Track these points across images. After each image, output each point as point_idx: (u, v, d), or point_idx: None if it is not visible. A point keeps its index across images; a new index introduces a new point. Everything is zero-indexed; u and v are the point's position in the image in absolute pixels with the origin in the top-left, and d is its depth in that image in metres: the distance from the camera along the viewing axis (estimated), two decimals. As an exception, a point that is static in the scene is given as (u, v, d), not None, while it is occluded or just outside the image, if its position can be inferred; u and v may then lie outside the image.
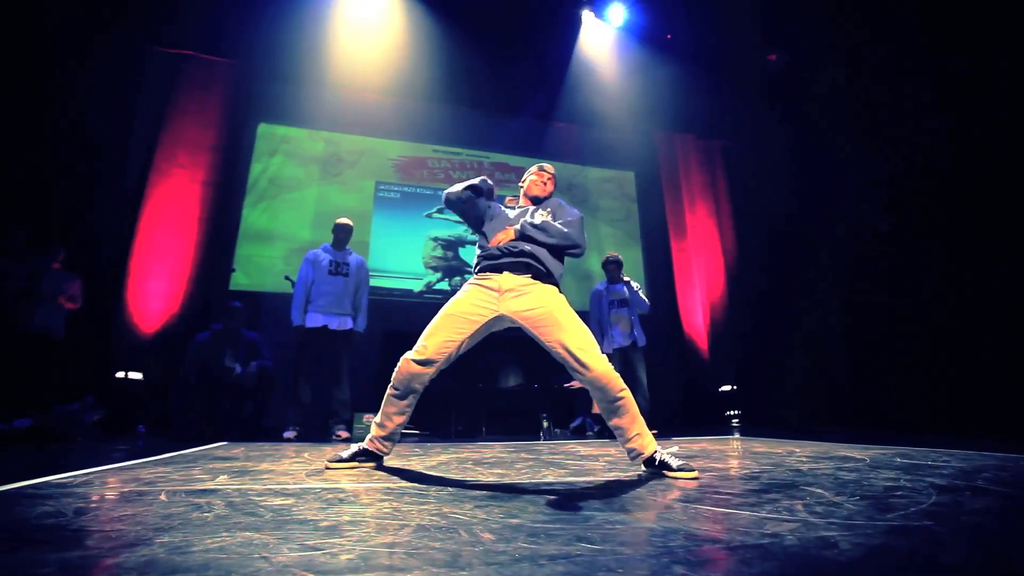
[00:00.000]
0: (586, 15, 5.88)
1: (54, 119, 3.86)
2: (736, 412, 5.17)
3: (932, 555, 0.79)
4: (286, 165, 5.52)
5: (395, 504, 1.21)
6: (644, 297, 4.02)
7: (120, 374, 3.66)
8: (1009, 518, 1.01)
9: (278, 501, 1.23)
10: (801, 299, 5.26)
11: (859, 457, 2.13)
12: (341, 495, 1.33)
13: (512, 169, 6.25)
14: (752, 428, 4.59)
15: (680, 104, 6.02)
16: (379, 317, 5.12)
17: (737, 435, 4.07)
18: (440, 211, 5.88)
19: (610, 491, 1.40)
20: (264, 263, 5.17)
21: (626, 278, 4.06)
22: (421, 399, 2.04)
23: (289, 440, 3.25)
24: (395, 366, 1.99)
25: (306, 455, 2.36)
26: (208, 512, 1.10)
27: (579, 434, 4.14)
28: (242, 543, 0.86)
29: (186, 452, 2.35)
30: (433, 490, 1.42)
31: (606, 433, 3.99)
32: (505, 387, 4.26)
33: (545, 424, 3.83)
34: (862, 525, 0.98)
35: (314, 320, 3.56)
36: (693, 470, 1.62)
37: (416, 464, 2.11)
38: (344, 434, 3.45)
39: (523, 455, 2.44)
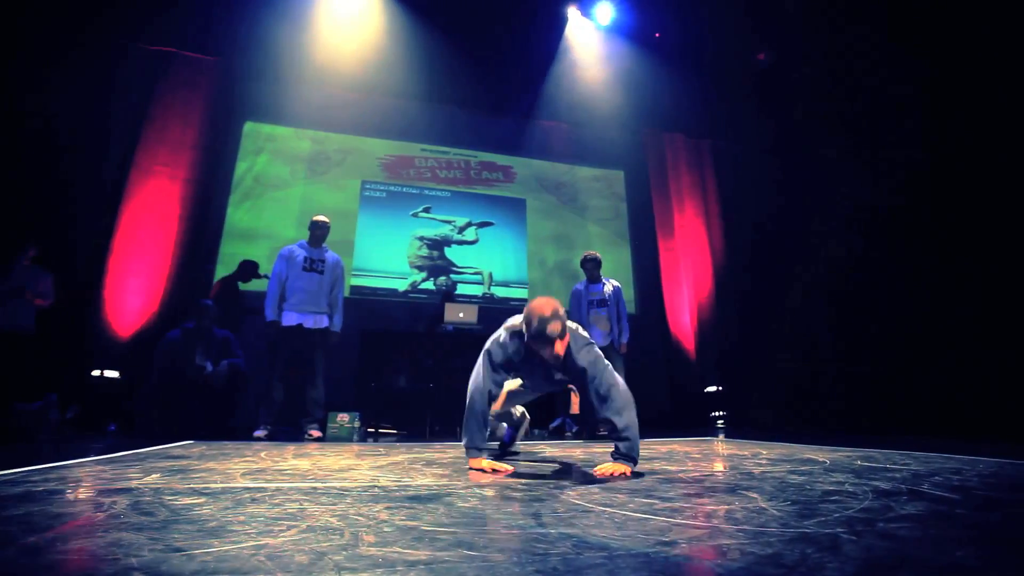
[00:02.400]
0: (573, 13, 5.84)
1: (32, 115, 3.87)
2: (721, 413, 5.12)
3: (819, 564, 0.74)
4: (272, 164, 5.51)
5: (306, 504, 1.18)
6: (625, 324, 4.06)
7: (96, 372, 3.65)
8: (926, 525, 0.96)
9: (187, 500, 1.20)
10: (789, 299, 5.18)
11: (821, 459, 2.08)
12: (258, 495, 1.29)
13: (499, 168, 6.21)
14: (738, 429, 4.52)
15: (669, 103, 5.97)
16: (363, 316, 5.10)
17: (722, 436, 4.01)
18: (426, 210, 5.85)
19: (537, 494, 1.36)
20: (249, 262, 5.15)
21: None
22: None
23: (259, 439, 3.22)
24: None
25: (263, 455, 2.33)
26: (104, 512, 1.07)
27: (558, 435, 4.09)
28: (108, 544, 0.83)
29: (142, 451, 2.33)
30: (358, 490, 1.38)
31: (585, 434, 3.95)
32: (482, 387, 4.22)
33: (522, 424, 3.78)
34: (771, 532, 0.93)
35: (289, 318, 3.53)
36: None
37: (368, 462, 2.07)
38: (316, 433, 3.42)
39: (483, 456, 2.39)
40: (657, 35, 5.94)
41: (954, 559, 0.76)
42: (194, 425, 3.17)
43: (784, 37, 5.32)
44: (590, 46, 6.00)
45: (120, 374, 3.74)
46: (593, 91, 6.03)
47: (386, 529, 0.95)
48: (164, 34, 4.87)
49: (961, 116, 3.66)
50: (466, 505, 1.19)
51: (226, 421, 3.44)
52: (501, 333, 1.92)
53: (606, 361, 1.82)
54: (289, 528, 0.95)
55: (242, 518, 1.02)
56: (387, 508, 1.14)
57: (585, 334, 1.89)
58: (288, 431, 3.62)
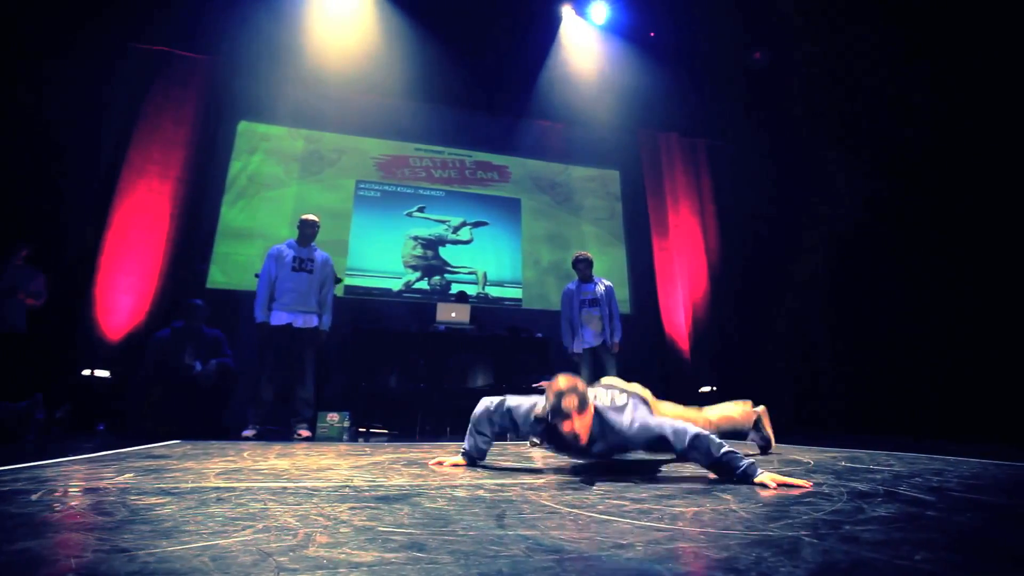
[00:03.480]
0: (567, 12, 5.83)
1: (23, 113, 3.87)
2: (715, 414, 5.08)
3: (772, 569, 0.72)
4: (266, 163, 5.51)
5: (270, 504, 1.16)
6: (618, 324, 4.01)
7: (86, 372, 3.65)
8: (892, 527, 0.94)
9: (151, 500, 1.19)
10: (784, 299, 5.16)
11: (805, 460, 2.06)
12: (225, 495, 1.28)
13: (494, 168, 6.20)
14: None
15: (664, 102, 5.95)
16: (355, 315, 5.09)
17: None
18: (421, 210, 5.84)
19: (507, 495, 1.34)
20: (242, 261, 5.15)
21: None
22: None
23: (247, 439, 3.21)
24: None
25: (246, 454, 2.32)
26: (61, 512, 1.06)
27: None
28: (53, 545, 0.82)
29: (124, 450, 2.32)
30: (328, 490, 1.37)
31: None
32: (473, 387, 4.20)
33: (512, 425, 3.77)
34: (733, 535, 0.92)
35: (278, 318, 3.53)
36: None
37: (349, 461, 2.06)
38: (305, 433, 3.41)
39: (468, 456, 2.38)
40: (652, 34, 5.93)
41: (911, 563, 0.74)
42: (183, 424, 3.16)
43: (779, 36, 5.30)
44: (585, 45, 5.99)
45: (111, 373, 3.74)
46: (588, 90, 6.02)
47: (342, 530, 0.94)
48: (158, 33, 4.87)
49: (958, 114, 3.63)
50: (432, 506, 1.18)
51: (216, 420, 3.44)
52: (525, 408, 1.85)
53: (659, 419, 1.67)
54: (244, 528, 0.93)
55: (200, 518, 1.01)
56: (351, 508, 1.13)
57: (619, 402, 1.76)
58: (278, 431, 3.62)
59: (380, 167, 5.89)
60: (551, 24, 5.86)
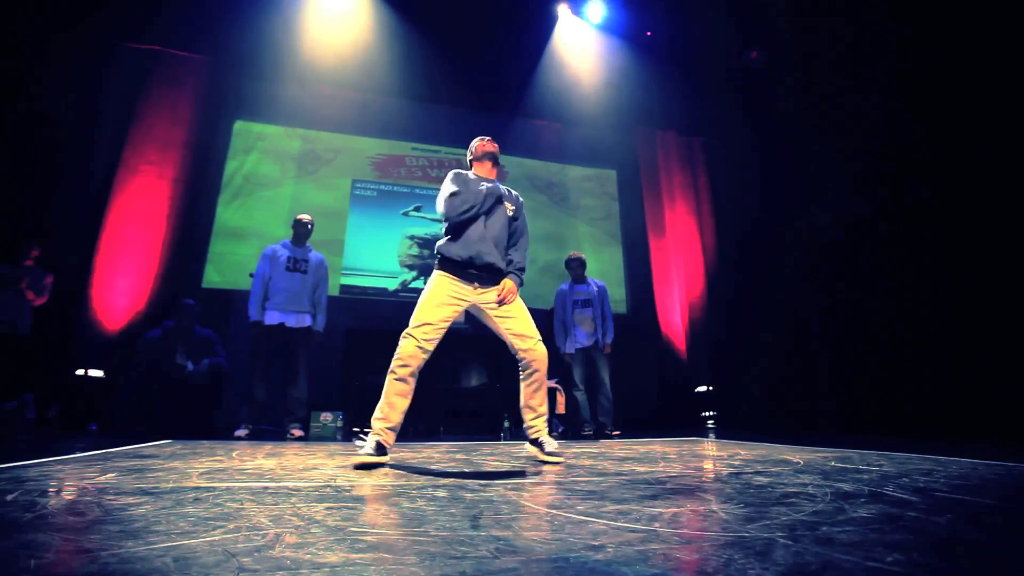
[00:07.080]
0: (563, 11, 5.81)
1: (18, 114, 3.87)
2: (711, 413, 5.08)
3: (741, 571, 0.71)
4: (262, 162, 5.51)
5: (247, 504, 1.16)
6: (611, 324, 4.00)
7: (80, 372, 3.65)
8: (869, 528, 0.93)
9: (128, 500, 1.18)
10: (780, 298, 5.14)
11: (796, 460, 2.05)
12: (204, 495, 1.27)
13: (491, 167, 6.18)
14: (729, 429, 4.49)
15: (661, 101, 5.94)
16: (353, 315, 5.09)
17: (712, 436, 3.97)
18: (417, 209, 5.84)
19: (488, 495, 1.33)
20: (238, 261, 5.15)
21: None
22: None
23: (240, 438, 3.21)
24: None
25: (235, 454, 2.31)
26: (33, 512, 1.05)
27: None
28: (16, 546, 0.81)
29: (112, 450, 2.32)
30: (308, 490, 1.36)
31: (570, 434, 3.92)
32: (467, 387, 4.19)
33: (506, 424, 3.77)
34: (707, 537, 0.91)
35: (271, 317, 3.52)
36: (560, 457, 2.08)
37: (336, 461, 2.06)
38: (298, 432, 3.41)
39: (458, 455, 2.38)
40: (648, 33, 5.91)
41: (882, 564, 0.73)
42: (175, 424, 3.16)
43: (776, 35, 5.28)
44: (581, 44, 5.97)
45: (105, 373, 3.74)
46: (584, 89, 6.01)
47: (314, 530, 0.93)
48: (153, 32, 4.86)
49: (954, 111, 3.62)
50: (411, 506, 1.17)
51: (208, 420, 3.43)
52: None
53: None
54: (215, 529, 0.93)
55: (173, 518, 1.00)
56: (328, 508, 1.12)
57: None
58: (272, 430, 3.61)
59: (376, 166, 5.88)
60: (547, 23, 5.85)
